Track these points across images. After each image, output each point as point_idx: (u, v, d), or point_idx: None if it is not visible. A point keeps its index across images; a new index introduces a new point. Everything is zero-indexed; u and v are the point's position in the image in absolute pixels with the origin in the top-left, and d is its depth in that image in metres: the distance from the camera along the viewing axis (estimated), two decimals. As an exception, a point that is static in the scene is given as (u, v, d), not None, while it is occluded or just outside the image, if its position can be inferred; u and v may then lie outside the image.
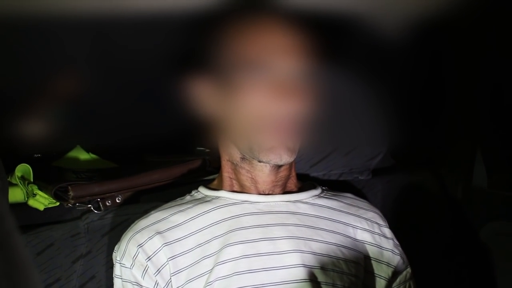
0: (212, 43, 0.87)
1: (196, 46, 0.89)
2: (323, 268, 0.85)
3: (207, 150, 1.14)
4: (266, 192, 0.90)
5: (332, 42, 0.92)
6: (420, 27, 1.06)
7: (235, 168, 0.90)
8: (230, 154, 0.90)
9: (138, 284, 0.85)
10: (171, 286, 0.84)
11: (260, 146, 0.84)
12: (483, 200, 1.20)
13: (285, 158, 0.85)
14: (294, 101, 0.83)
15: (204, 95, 0.88)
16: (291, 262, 0.84)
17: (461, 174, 1.23)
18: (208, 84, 0.88)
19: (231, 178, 0.91)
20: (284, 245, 0.85)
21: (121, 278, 0.87)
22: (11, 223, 0.35)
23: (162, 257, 0.84)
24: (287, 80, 0.83)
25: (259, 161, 0.87)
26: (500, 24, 1.11)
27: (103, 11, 0.86)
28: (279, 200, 0.89)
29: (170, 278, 0.84)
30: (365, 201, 0.98)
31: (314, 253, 0.86)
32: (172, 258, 0.84)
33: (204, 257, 0.84)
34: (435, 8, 1.05)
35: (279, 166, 0.88)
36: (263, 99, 0.83)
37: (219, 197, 0.90)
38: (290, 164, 0.91)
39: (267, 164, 0.87)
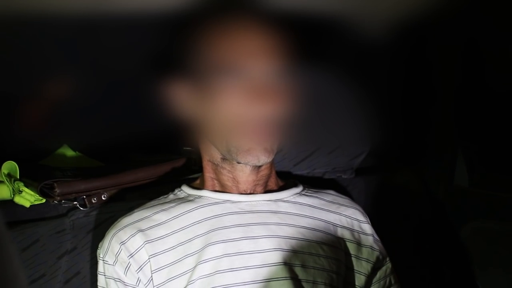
0: (187, 46, 0.88)
1: (172, 49, 0.90)
2: (304, 265, 0.87)
3: (193, 150, 1.15)
4: (248, 192, 0.91)
5: (311, 43, 0.94)
6: (401, 28, 1.08)
7: (216, 169, 0.92)
8: (210, 154, 0.91)
9: (120, 280, 0.86)
10: (153, 283, 0.86)
11: (238, 148, 0.86)
12: (464, 199, 1.22)
13: (263, 159, 0.86)
14: (270, 103, 0.84)
15: (181, 98, 0.89)
16: (272, 260, 0.86)
17: (442, 173, 1.24)
18: (185, 87, 0.88)
19: (212, 178, 0.93)
20: (265, 244, 0.87)
21: (104, 275, 0.88)
22: None
23: (143, 254, 0.86)
24: (262, 83, 0.84)
25: (238, 163, 0.88)
26: (481, 23, 1.13)
27: (87, 12, 0.87)
28: (261, 200, 0.91)
29: (151, 276, 0.86)
30: (346, 197, 1.00)
31: (295, 251, 0.87)
32: (153, 255, 0.86)
33: (186, 256, 0.86)
34: (417, 9, 1.07)
35: (259, 166, 0.90)
36: (239, 102, 0.84)
37: (202, 196, 0.91)
38: (271, 163, 0.92)
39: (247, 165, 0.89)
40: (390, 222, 1.14)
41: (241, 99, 0.84)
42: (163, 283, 0.85)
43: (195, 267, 0.85)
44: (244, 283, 0.84)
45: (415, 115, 1.25)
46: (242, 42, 0.85)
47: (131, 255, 0.86)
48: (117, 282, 0.86)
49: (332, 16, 1.05)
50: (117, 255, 0.86)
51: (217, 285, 0.84)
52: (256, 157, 0.86)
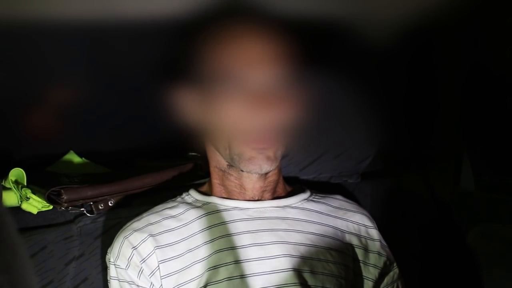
0: (191, 53, 0.88)
1: (177, 56, 0.90)
2: (312, 271, 0.87)
3: (199, 155, 1.15)
4: (256, 198, 0.91)
5: (317, 48, 0.94)
6: (406, 32, 1.08)
7: (223, 175, 0.92)
8: (217, 161, 0.91)
9: (135, 284, 0.86)
10: None
11: (240, 156, 0.86)
12: (470, 203, 1.22)
13: (266, 167, 0.86)
14: (271, 111, 0.83)
15: (187, 105, 0.89)
16: (281, 266, 0.86)
17: (448, 177, 1.24)
18: (190, 94, 0.88)
19: (219, 184, 0.93)
20: (274, 250, 0.87)
21: (118, 279, 0.88)
22: (2, 207, 0.37)
23: (154, 260, 0.86)
24: (262, 91, 0.83)
25: (241, 170, 0.88)
26: (489, 28, 1.13)
27: (95, 19, 0.88)
28: (269, 206, 0.91)
29: (161, 281, 0.86)
30: (353, 202, 1.00)
31: (303, 257, 0.87)
32: (163, 261, 0.86)
33: (195, 262, 0.86)
34: (422, 13, 1.07)
35: (266, 173, 0.89)
36: (240, 111, 0.83)
37: (210, 203, 0.91)
38: (278, 169, 0.92)
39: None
40: (396, 227, 1.14)
41: (242, 108, 0.83)
42: None
43: (203, 273, 0.85)
44: None
45: (421, 119, 1.25)
46: (242, 50, 0.84)
47: (143, 260, 0.86)
48: (131, 285, 0.87)
49: (337, 20, 1.05)
50: (129, 260, 0.86)
51: None
52: (258, 166, 0.86)
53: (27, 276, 0.39)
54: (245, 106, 0.83)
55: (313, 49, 0.89)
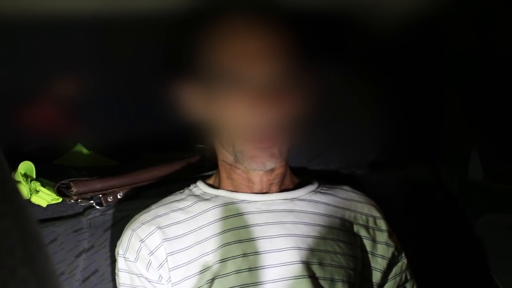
0: (193, 49, 0.87)
1: (180, 51, 0.90)
2: (321, 263, 0.87)
3: (206, 147, 1.15)
4: (263, 191, 0.91)
5: (323, 39, 0.93)
6: (414, 21, 1.08)
7: (230, 169, 0.91)
8: (224, 155, 0.91)
9: (143, 276, 0.87)
10: (171, 281, 0.86)
11: (243, 154, 0.85)
12: (478, 192, 1.22)
13: (269, 165, 0.86)
14: (272, 109, 0.82)
15: (192, 100, 0.88)
16: (289, 259, 0.86)
17: (456, 168, 1.24)
18: (194, 90, 0.87)
19: (227, 177, 0.93)
20: (282, 243, 0.87)
21: (127, 272, 0.89)
22: (24, 200, 0.37)
23: (162, 252, 0.87)
24: (263, 88, 0.82)
25: (246, 167, 0.88)
26: (495, 18, 1.12)
27: (102, 12, 0.88)
28: (276, 199, 0.91)
29: (169, 273, 0.86)
30: (361, 193, 1.00)
31: (311, 250, 0.87)
32: (171, 254, 0.86)
33: (203, 255, 0.86)
34: (430, 1, 1.06)
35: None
36: (241, 109, 0.82)
37: (218, 196, 0.91)
38: (285, 161, 0.92)
39: None
40: (404, 217, 1.14)
41: (243, 106, 0.82)
42: (180, 281, 0.86)
43: (211, 266, 0.85)
44: (262, 282, 0.84)
45: (429, 110, 1.24)
46: (241, 47, 0.83)
47: (151, 253, 0.87)
48: (140, 277, 0.87)
49: (344, 11, 1.04)
50: (138, 252, 0.87)
51: (234, 284, 0.84)
52: (261, 163, 0.85)
53: (50, 267, 0.40)
54: (246, 104, 0.82)
55: (319, 41, 0.89)
